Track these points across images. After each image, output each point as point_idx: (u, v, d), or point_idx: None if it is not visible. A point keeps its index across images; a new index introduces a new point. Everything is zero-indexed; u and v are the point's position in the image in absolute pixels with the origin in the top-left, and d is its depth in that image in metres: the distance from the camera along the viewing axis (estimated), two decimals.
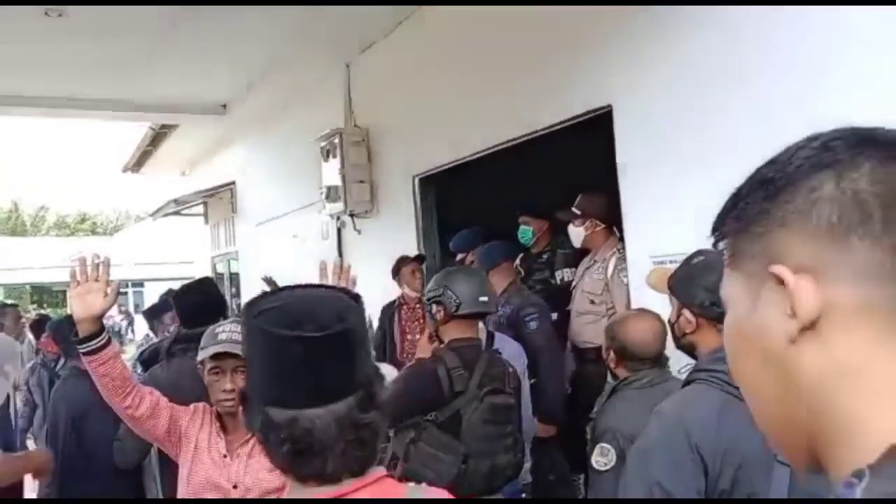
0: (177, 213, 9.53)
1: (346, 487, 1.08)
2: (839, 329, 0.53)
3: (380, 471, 1.14)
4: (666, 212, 3.18)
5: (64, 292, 25.19)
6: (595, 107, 3.50)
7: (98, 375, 2.11)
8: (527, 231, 4.37)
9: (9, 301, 23.49)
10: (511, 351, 3.31)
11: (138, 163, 9.76)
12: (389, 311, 4.54)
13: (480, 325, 3.35)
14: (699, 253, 1.84)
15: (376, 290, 4.42)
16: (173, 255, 16.07)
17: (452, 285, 2.64)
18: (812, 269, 0.54)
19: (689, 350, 1.83)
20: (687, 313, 1.80)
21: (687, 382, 1.72)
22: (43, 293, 26.85)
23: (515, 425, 2.64)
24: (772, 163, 0.61)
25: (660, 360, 2.51)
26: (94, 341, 2.06)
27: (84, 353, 2.08)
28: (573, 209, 3.90)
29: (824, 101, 2.55)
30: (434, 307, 2.67)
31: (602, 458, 2.29)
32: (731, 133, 2.87)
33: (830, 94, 2.53)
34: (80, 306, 2.04)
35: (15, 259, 23.95)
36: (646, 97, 3.24)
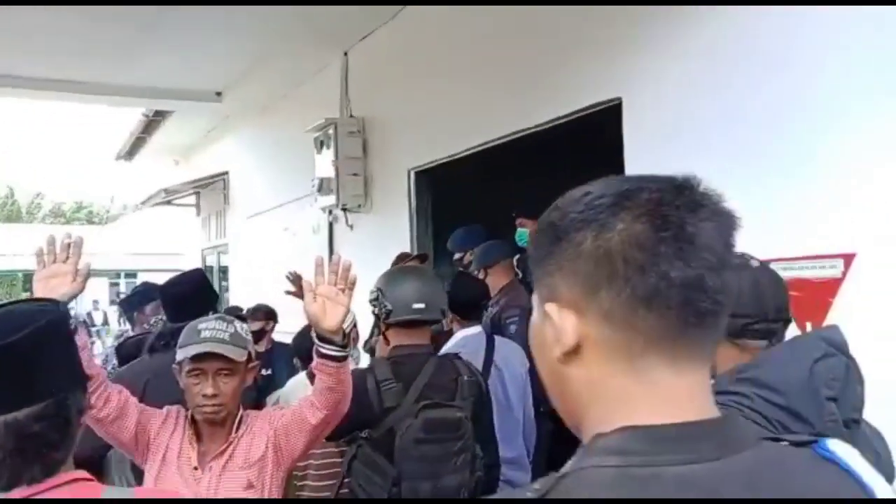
0: (168, 202, 9.32)
1: (23, 492, 1.15)
2: (592, 354, 0.72)
3: (75, 474, 1.19)
4: None
5: None
6: (603, 99, 3.29)
7: None
8: (524, 233, 4.19)
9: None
10: (508, 353, 3.12)
11: (131, 151, 9.56)
12: None
13: (478, 328, 3.14)
14: None
15: (366, 288, 4.19)
16: (166, 247, 15.88)
17: (386, 289, 2.38)
18: (576, 307, 0.71)
19: None
20: None
21: None
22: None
23: (470, 441, 2.27)
24: (556, 209, 0.75)
25: None
26: None
27: None
28: None
29: (850, 101, 2.35)
30: (374, 311, 2.42)
31: None
32: (750, 130, 2.66)
33: (856, 94, 2.33)
34: (42, 290, 1.81)
35: (8, 246, 23.72)
36: (659, 89, 3.03)
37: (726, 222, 0.73)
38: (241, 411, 2.04)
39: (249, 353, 2.04)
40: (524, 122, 3.79)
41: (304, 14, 4.94)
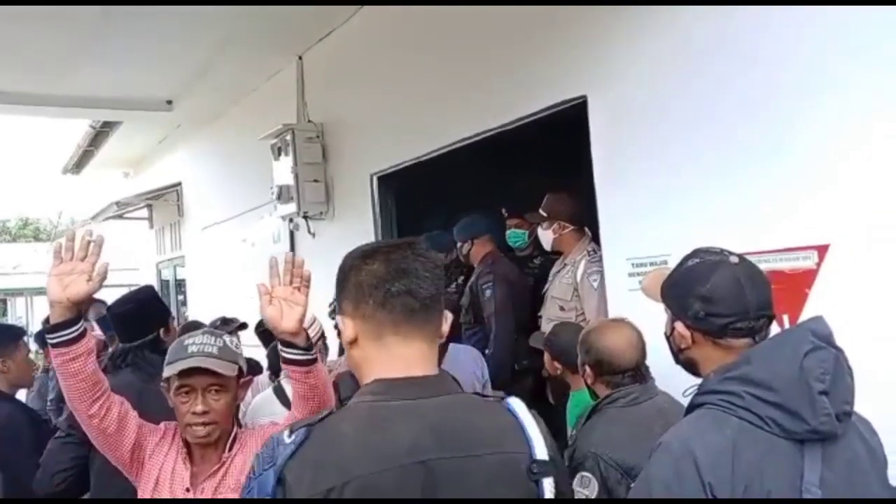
0: (120, 216, 9.03)
1: None
2: (361, 341, 1.26)
3: None
4: (645, 211, 2.94)
5: (3, 301, 24.05)
6: (567, 98, 3.24)
7: (67, 374, 1.77)
8: (521, 234, 4.17)
9: None
10: (465, 359, 3.20)
11: (78, 164, 9.25)
12: None
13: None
14: (694, 254, 1.58)
15: (331, 297, 4.09)
16: (118, 262, 15.43)
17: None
18: (352, 316, 1.27)
19: (690, 367, 1.57)
20: (680, 326, 1.53)
21: (693, 407, 1.46)
22: None
23: None
24: (343, 260, 1.32)
25: (640, 373, 2.28)
26: (68, 331, 1.73)
27: (54, 345, 1.74)
28: (540, 211, 3.68)
29: (820, 93, 2.35)
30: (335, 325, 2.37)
31: (583, 488, 2.03)
32: (719, 127, 2.64)
33: (826, 90, 2.33)
34: (57, 286, 1.73)
35: None
36: (625, 87, 3.00)
37: (430, 259, 1.28)
38: (234, 429, 1.96)
39: (240, 368, 1.96)
40: (488, 122, 3.73)
41: (255, 18, 4.80)
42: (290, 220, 5.72)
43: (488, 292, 3.81)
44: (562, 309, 3.48)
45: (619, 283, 3.08)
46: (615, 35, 3.03)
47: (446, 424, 1.19)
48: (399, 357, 1.23)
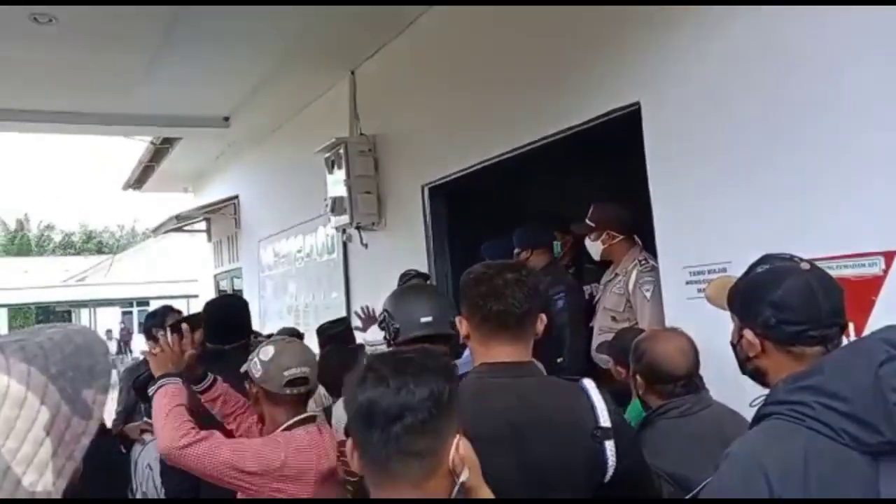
0: (179, 229, 9.31)
1: None
2: (473, 339, 1.72)
3: None
4: (703, 218, 2.90)
5: (68, 311, 25.00)
6: (620, 105, 3.22)
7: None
8: (554, 245, 4.13)
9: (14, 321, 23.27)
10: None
11: (139, 179, 9.56)
12: None
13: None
14: (763, 260, 1.55)
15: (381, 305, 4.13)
16: (178, 274, 15.87)
17: (392, 309, 2.30)
18: (467, 319, 1.72)
19: (758, 377, 1.53)
20: (749, 334, 1.50)
21: (760, 417, 1.43)
22: (49, 314, 26.63)
23: None
24: (464, 275, 1.79)
25: (693, 383, 2.24)
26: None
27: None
28: (587, 221, 3.62)
29: (882, 97, 2.28)
30: (385, 336, 2.38)
31: None
32: (777, 131, 2.59)
33: (887, 88, 2.26)
34: (156, 366, 2.37)
35: (21, 279, 23.80)
36: (679, 91, 2.96)
37: (526, 282, 1.67)
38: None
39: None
40: (540, 131, 3.73)
41: (309, 35, 4.91)
42: (343, 231, 5.81)
43: (560, 303, 3.68)
44: (614, 319, 3.44)
45: (677, 292, 3.03)
46: (668, 38, 3.00)
47: (529, 396, 1.60)
48: (501, 351, 1.66)
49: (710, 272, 2.82)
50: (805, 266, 1.49)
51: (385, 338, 2.39)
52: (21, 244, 31.73)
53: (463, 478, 1.20)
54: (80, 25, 4.49)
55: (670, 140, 3.03)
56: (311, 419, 2.26)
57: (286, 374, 2.18)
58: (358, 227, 5.49)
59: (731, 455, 1.36)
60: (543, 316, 1.72)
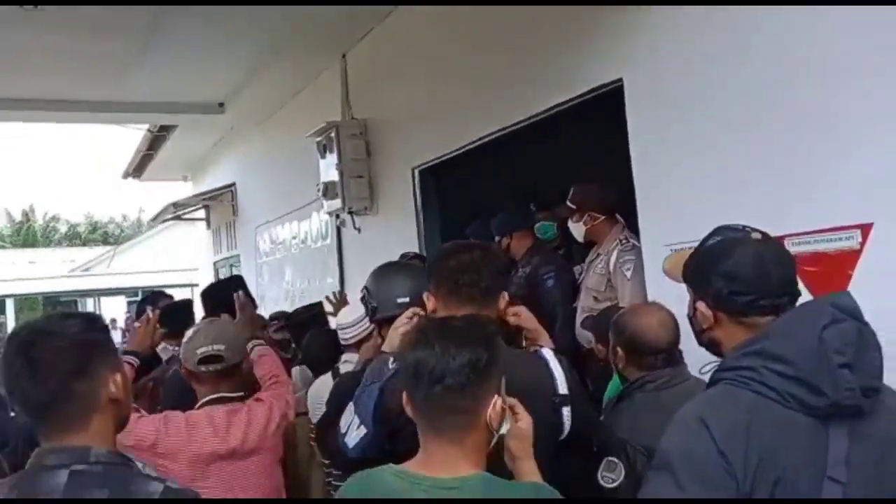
0: (178, 217, 9.35)
1: None
2: (442, 312, 1.76)
3: None
4: (684, 195, 2.88)
5: (75, 302, 25.15)
6: (603, 82, 3.21)
7: None
8: (549, 226, 4.13)
9: (21, 312, 23.46)
10: None
11: (138, 168, 9.58)
12: None
13: None
14: (716, 232, 1.55)
15: None
16: (183, 263, 15.94)
17: (371, 287, 2.30)
18: (434, 294, 1.81)
19: (713, 347, 1.53)
20: (702, 306, 1.50)
21: (711, 383, 1.43)
22: (56, 304, 26.82)
23: None
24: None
25: (673, 356, 2.24)
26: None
27: None
28: (568, 203, 3.62)
29: (859, 67, 2.26)
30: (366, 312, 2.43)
31: (609, 473, 2.00)
32: (757, 107, 2.57)
33: (870, 66, 2.24)
34: (130, 341, 2.70)
35: (27, 270, 23.97)
36: (661, 68, 2.94)
37: (494, 258, 1.86)
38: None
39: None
40: (526, 110, 3.72)
41: (299, 20, 4.90)
42: (336, 216, 5.82)
43: (550, 282, 3.75)
44: (596, 299, 3.43)
45: (659, 269, 3.01)
46: (650, 13, 2.98)
47: None
48: None
49: (691, 249, 2.80)
50: (756, 236, 1.49)
51: (367, 314, 2.41)
52: (27, 235, 31.92)
53: (503, 430, 1.37)
54: (67, 11, 4.47)
55: (652, 117, 3.02)
56: (227, 399, 2.29)
57: (198, 352, 2.28)
58: (350, 212, 5.49)
59: (676, 418, 1.36)
60: (506, 294, 1.83)
